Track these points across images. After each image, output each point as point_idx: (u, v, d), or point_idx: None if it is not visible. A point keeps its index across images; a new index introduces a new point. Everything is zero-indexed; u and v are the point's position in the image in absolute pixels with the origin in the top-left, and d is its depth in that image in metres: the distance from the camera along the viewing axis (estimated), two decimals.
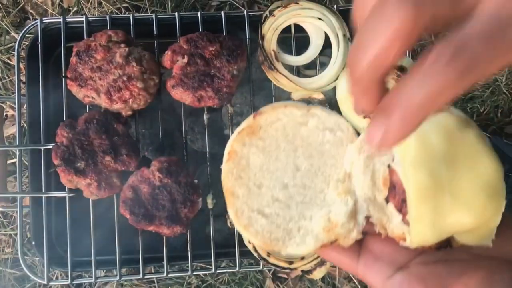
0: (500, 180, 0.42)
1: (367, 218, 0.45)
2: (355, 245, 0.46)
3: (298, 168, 0.47)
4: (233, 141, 0.47)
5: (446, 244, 0.44)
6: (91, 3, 1.19)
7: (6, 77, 1.20)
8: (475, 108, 1.24)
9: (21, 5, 1.22)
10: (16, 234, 1.17)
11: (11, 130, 1.15)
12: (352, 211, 0.45)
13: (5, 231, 1.17)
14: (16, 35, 1.19)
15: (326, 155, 0.47)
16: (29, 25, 0.84)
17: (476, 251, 0.44)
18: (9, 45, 1.20)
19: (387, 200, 0.44)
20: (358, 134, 0.47)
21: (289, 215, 0.46)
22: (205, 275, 1.17)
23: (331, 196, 0.46)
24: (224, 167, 0.47)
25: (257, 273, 1.19)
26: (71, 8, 1.21)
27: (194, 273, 0.81)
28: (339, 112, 0.61)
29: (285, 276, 1.20)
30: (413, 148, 0.42)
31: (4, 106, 0.98)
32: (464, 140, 0.42)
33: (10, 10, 1.22)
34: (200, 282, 1.17)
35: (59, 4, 1.21)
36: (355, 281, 1.20)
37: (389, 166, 0.43)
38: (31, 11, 1.23)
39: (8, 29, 1.20)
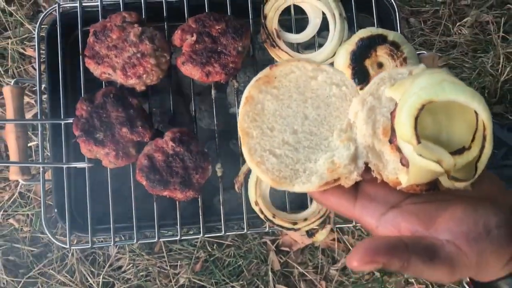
0: (488, 125, 0.46)
1: (366, 164, 0.49)
2: (351, 191, 0.51)
3: (307, 117, 0.52)
4: (250, 88, 0.51)
5: (434, 187, 0.48)
6: None
7: (21, 66, 1.26)
8: None
9: None
10: (33, 214, 1.23)
11: (28, 115, 1.21)
12: (353, 156, 0.49)
13: (23, 211, 1.23)
14: (30, 27, 1.26)
15: (332, 107, 0.52)
16: (49, 9, 0.90)
17: (459, 193, 0.48)
18: (23, 36, 1.27)
19: (390, 141, 0.48)
20: None
21: (296, 157, 0.50)
22: (212, 248, 1.23)
23: (335, 143, 0.50)
24: (241, 110, 0.51)
25: (262, 247, 1.25)
26: None
27: (206, 235, 0.87)
28: None
29: (287, 249, 1.26)
30: (416, 96, 0.46)
31: None
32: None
33: (24, 3, 1.29)
34: (207, 256, 1.24)
35: None
36: None
37: (391, 113, 0.49)
38: (43, 4, 1.30)
39: (22, 21, 1.26)
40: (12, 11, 1.27)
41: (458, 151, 0.47)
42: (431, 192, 0.48)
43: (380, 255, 0.44)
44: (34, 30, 1.24)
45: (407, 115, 0.45)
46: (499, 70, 1.33)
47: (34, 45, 1.26)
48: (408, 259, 0.44)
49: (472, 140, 0.47)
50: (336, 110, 0.52)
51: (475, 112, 0.46)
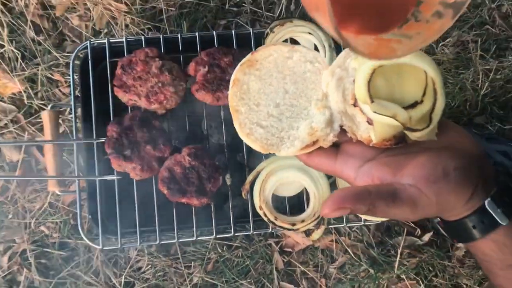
0: (437, 80, 0.51)
1: (341, 126, 0.54)
2: (332, 151, 0.55)
3: (287, 91, 0.57)
4: (236, 72, 0.57)
5: (402, 140, 0.52)
6: (119, 25, 1.41)
7: (49, 90, 1.41)
8: (447, 103, 1.43)
9: (59, 29, 1.43)
10: (61, 222, 1.37)
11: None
12: (329, 120, 0.54)
13: (52, 219, 1.37)
14: (57, 55, 1.40)
15: (308, 81, 0.56)
16: (82, 45, 1.05)
17: (427, 145, 0.52)
18: (51, 63, 1.42)
19: (354, 104, 0.52)
20: None
21: (280, 126, 0.56)
22: (222, 250, 1.35)
23: (313, 111, 0.55)
24: (230, 91, 0.57)
25: (267, 248, 1.38)
26: (102, 30, 1.42)
27: (218, 235, 1.01)
28: None
29: (290, 250, 1.39)
30: (370, 63, 0.50)
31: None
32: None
33: (51, 33, 1.43)
34: (218, 257, 1.36)
35: (92, 27, 1.43)
36: (350, 252, 1.40)
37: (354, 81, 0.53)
38: (68, 33, 1.43)
39: (50, 49, 1.41)
40: (41, 41, 1.41)
41: (411, 106, 0.51)
42: (400, 145, 0.52)
43: (346, 202, 0.48)
44: (61, 58, 1.41)
45: (361, 79, 0.51)
46: (479, 85, 1.45)
47: (61, 70, 1.42)
48: (373, 203, 0.48)
49: (424, 95, 0.51)
50: (311, 83, 0.56)
51: (424, 71, 0.51)
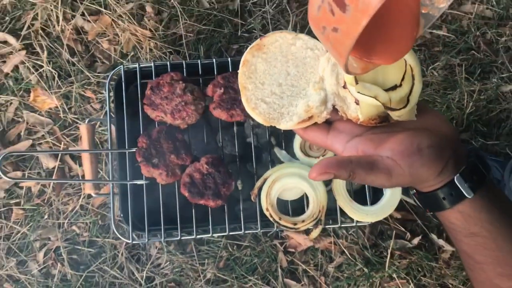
0: (415, 67, 0.56)
1: (333, 106, 0.59)
2: (325, 127, 0.60)
3: (289, 73, 0.61)
4: (246, 54, 0.62)
5: (385, 120, 0.57)
6: (144, 49, 1.60)
7: (81, 106, 1.60)
8: None
9: (91, 52, 1.62)
10: (91, 222, 1.55)
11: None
12: (323, 100, 0.58)
13: (83, 220, 1.54)
14: (89, 74, 1.59)
15: (307, 65, 0.61)
16: (116, 69, 1.22)
17: (406, 125, 0.57)
18: (83, 82, 1.60)
19: (344, 86, 0.57)
20: None
21: (281, 103, 0.60)
22: (232, 249, 1.51)
23: (310, 92, 0.60)
24: (240, 70, 0.62)
25: (272, 248, 1.53)
26: (129, 53, 1.61)
27: (230, 233, 1.17)
28: None
29: (293, 250, 1.55)
30: None
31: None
32: None
33: (83, 55, 1.62)
34: (229, 255, 1.52)
35: (120, 50, 1.62)
36: (347, 253, 1.55)
37: None
38: (99, 56, 1.62)
39: (82, 69, 1.59)
40: (75, 62, 1.59)
41: (391, 88, 0.56)
42: (384, 124, 0.57)
43: (331, 168, 0.54)
44: (92, 77, 1.59)
45: None
46: (465, 105, 1.60)
47: (92, 88, 1.60)
48: (353, 170, 0.54)
49: (403, 80, 0.56)
50: (311, 67, 0.61)
51: (404, 59, 0.56)
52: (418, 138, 0.55)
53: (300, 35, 0.62)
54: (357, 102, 0.56)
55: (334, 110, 0.59)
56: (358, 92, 0.55)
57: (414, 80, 0.57)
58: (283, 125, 0.60)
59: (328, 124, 0.60)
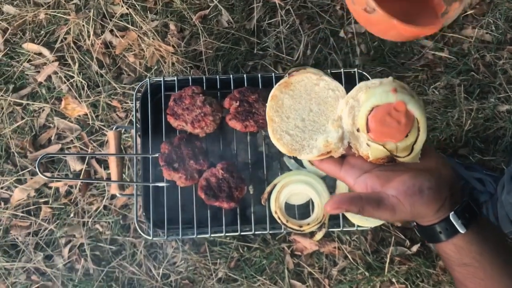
0: (420, 120, 0.59)
1: (349, 143, 0.63)
2: (339, 161, 0.64)
3: (311, 110, 0.65)
4: (275, 89, 0.66)
5: (392, 160, 0.61)
6: (167, 63, 1.73)
7: (108, 114, 1.73)
8: (435, 136, 1.66)
9: (118, 65, 1.75)
10: (113, 221, 1.67)
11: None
12: (341, 137, 0.62)
13: (105, 219, 1.67)
14: (115, 85, 1.72)
15: (328, 104, 0.65)
16: (143, 82, 1.35)
17: (411, 165, 0.62)
18: (110, 92, 1.74)
19: (358, 130, 0.61)
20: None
21: (303, 136, 0.64)
22: (243, 251, 1.59)
23: (329, 128, 0.63)
24: (268, 104, 0.65)
25: (280, 251, 1.63)
26: (152, 67, 1.74)
27: (241, 233, 1.28)
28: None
29: (299, 253, 1.64)
30: (369, 101, 0.59)
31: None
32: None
33: (111, 68, 1.75)
34: (239, 256, 1.61)
35: (145, 64, 1.76)
36: (350, 258, 1.65)
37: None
38: (125, 68, 1.75)
39: (109, 80, 1.73)
40: (103, 73, 1.72)
41: None
42: (391, 163, 0.62)
43: (343, 204, 0.59)
44: (119, 88, 1.72)
45: (362, 114, 0.59)
46: (463, 122, 1.67)
47: (118, 98, 1.74)
48: (363, 206, 0.58)
49: (409, 131, 0.59)
50: (331, 106, 0.65)
51: (413, 115, 0.59)
52: (419, 180, 0.60)
53: (324, 77, 0.66)
54: (368, 144, 0.61)
55: (348, 146, 0.64)
56: (369, 140, 0.60)
57: (419, 131, 0.60)
58: (303, 156, 0.64)
59: (341, 157, 0.65)
